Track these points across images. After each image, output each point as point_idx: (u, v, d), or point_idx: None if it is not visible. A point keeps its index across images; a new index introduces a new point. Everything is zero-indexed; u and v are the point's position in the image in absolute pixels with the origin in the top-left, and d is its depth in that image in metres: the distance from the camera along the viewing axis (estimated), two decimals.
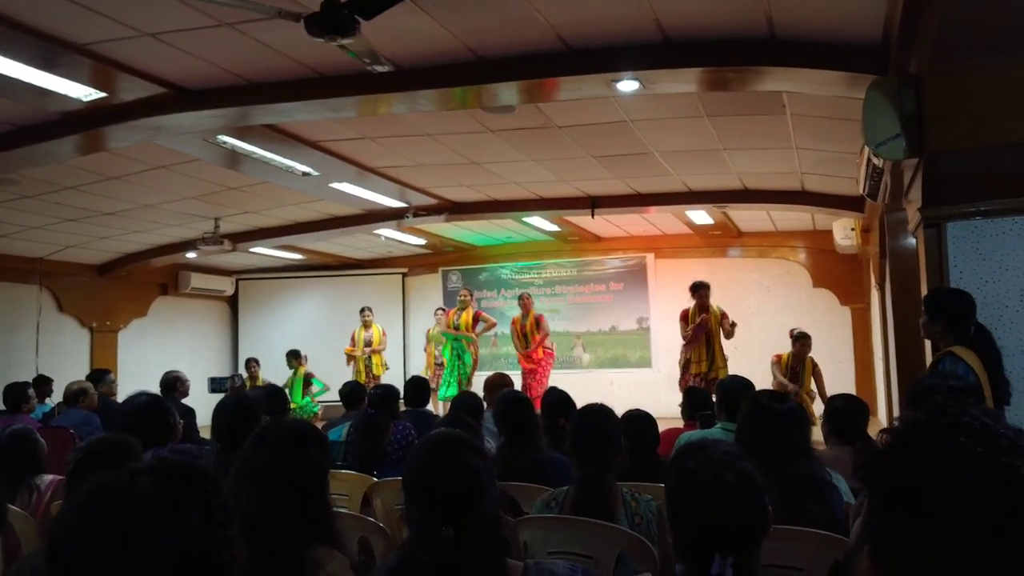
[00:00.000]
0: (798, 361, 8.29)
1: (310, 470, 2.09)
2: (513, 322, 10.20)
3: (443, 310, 11.62)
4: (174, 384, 6.44)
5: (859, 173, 6.02)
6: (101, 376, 7.12)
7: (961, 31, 3.59)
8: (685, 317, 8.42)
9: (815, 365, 8.31)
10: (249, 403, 3.45)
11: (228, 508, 1.17)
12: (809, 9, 4.28)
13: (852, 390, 9.75)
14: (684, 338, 8.41)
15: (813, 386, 8.23)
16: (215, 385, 5.65)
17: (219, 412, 3.36)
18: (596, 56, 4.84)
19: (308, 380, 10.69)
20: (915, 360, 5.21)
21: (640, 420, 3.52)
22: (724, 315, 8.37)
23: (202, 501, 1.13)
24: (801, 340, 8.30)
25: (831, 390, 7.67)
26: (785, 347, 8.56)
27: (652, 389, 11.62)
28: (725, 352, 8.37)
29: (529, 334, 9.96)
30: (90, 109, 5.38)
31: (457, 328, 10.22)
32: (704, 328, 8.21)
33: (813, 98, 5.39)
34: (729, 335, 8.28)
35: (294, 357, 10.83)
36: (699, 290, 8.36)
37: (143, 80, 5.06)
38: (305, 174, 7.43)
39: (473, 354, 10.28)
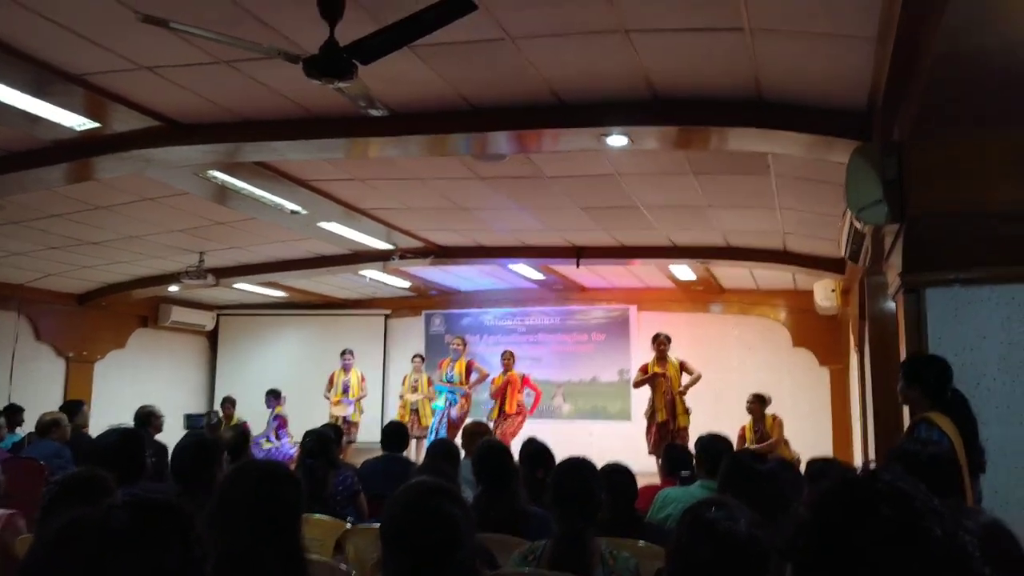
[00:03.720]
0: (758, 422, 8.34)
1: (283, 509, 2.08)
2: (493, 382, 10.20)
3: (420, 357, 11.56)
4: (148, 419, 6.35)
5: (841, 235, 6.11)
6: (76, 408, 7.01)
7: (944, 101, 3.68)
8: (645, 369, 8.84)
9: (775, 419, 8.36)
10: (209, 444, 3.42)
11: (202, 544, 1.16)
12: (796, 74, 4.39)
13: (829, 451, 9.76)
14: (634, 384, 9.10)
15: (794, 449, 8.23)
16: (191, 422, 5.58)
17: (178, 452, 3.33)
18: (587, 111, 4.92)
19: (282, 423, 10.52)
20: (893, 423, 5.23)
21: (620, 474, 3.49)
22: (683, 365, 8.72)
23: (178, 536, 1.13)
24: (750, 401, 8.41)
25: (809, 452, 7.69)
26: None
27: (631, 442, 11.49)
28: (687, 403, 8.64)
29: (509, 396, 9.93)
30: (81, 138, 5.39)
31: (451, 381, 10.19)
32: (651, 382, 8.60)
33: (797, 160, 5.49)
34: (693, 375, 8.64)
35: (273, 396, 10.71)
36: (656, 339, 8.77)
37: (137, 112, 5.08)
38: (293, 212, 7.44)
39: (465, 405, 10.22)
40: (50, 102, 4.76)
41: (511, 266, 10.61)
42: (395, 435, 5.44)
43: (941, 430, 3.36)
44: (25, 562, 1.11)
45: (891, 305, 5.19)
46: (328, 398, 11.07)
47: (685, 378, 8.67)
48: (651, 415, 8.70)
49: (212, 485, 3.21)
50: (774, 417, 8.34)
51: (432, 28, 3.46)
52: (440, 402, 10.32)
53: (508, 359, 10.12)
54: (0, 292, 10.19)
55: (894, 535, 0.89)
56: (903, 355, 4.21)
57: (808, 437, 8.72)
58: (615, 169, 6.29)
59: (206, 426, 5.16)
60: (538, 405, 10.49)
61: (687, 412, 8.58)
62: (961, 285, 4.08)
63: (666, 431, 8.39)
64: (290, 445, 10.09)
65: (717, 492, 2.69)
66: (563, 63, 4.39)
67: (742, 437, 8.34)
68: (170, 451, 6.01)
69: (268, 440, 10.20)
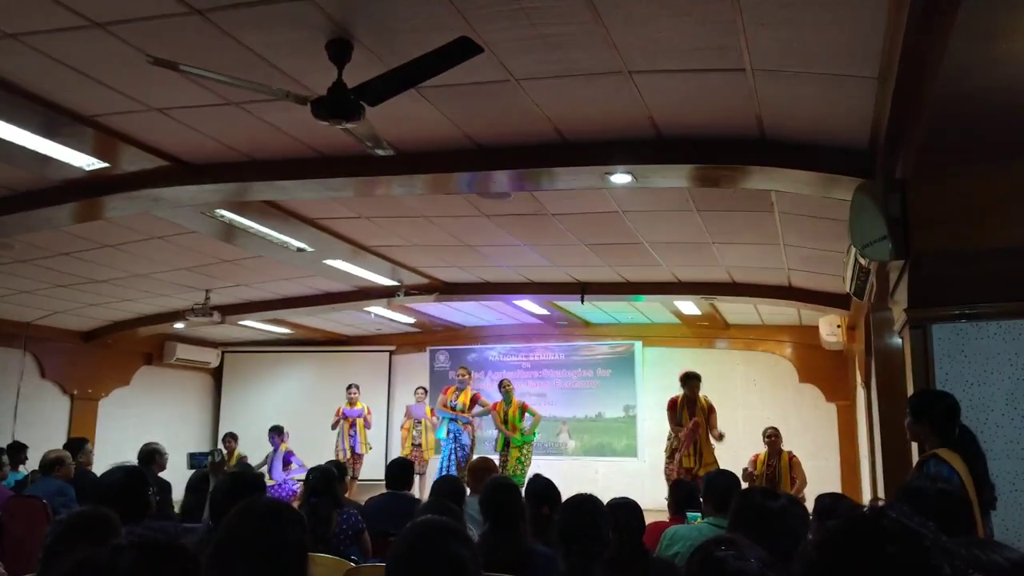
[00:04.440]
0: (773, 457, 8.25)
1: (289, 549, 2.07)
2: (495, 407, 10.13)
3: (424, 389, 11.58)
4: (152, 457, 6.34)
5: (846, 272, 6.12)
6: (80, 445, 6.99)
7: (947, 138, 3.72)
8: (673, 406, 8.45)
9: (792, 457, 8.25)
10: (248, 480, 3.42)
11: None
12: (798, 113, 4.43)
13: (837, 488, 9.66)
14: (674, 431, 8.41)
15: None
16: (195, 461, 5.55)
17: (215, 492, 3.33)
18: (591, 149, 4.97)
19: (287, 459, 10.49)
20: (901, 460, 5.20)
21: (626, 508, 3.47)
22: (712, 409, 8.39)
23: None
24: (768, 433, 8.30)
25: (817, 488, 7.63)
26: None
27: (637, 479, 11.49)
28: (715, 449, 8.32)
29: (511, 421, 9.87)
30: (90, 178, 5.45)
31: (454, 408, 10.16)
32: (696, 433, 8.21)
33: (801, 197, 5.52)
34: (717, 437, 8.23)
35: (276, 433, 10.69)
36: (689, 381, 8.40)
37: (146, 152, 5.14)
38: (300, 250, 7.49)
39: (471, 435, 10.19)
40: (60, 143, 4.82)
41: (516, 301, 10.62)
42: (400, 472, 5.41)
43: (951, 466, 3.34)
44: None
45: (897, 341, 5.18)
46: (335, 428, 11.09)
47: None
48: (672, 454, 8.47)
49: None
50: (791, 456, 8.24)
51: (438, 71, 3.52)
52: (442, 431, 10.27)
53: (509, 386, 10.07)
54: (6, 330, 10.22)
55: (902, 573, 0.89)
56: (910, 391, 4.20)
57: (816, 474, 8.64)
58: (619, 207, 6.33)
59: (210, 464, 5.13)
60: (537, 423, 10.33)
61: (714, 461, 8.29)
62: (967, 320, 4.08)
63: (693, 477, 8.12)
64: (293, 482, 10.05)
65: (727, 530, 2.67)
66: (567, 103, 4.44)
67: (753, 464, 8.24)
68: (174, 489, 6.04)
69: (271, 477, 10.16)
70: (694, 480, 7.57)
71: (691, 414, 8.32)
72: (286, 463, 10.42)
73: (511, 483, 3.91)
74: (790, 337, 11.85)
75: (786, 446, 8.47)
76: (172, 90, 4.29)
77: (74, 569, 1.13)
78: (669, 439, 8.61)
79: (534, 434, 10.12)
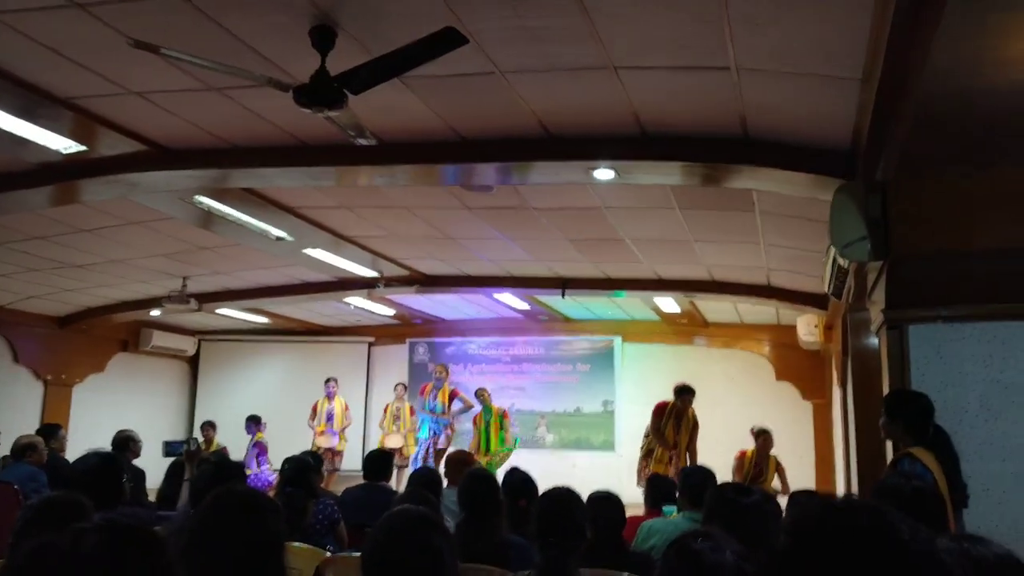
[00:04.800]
0: (762, 458, 8.26)
1: (266, 538, 2.05)
2: (474, 421, 10.10)
3: (403, 386, 11.53)
4: (126, 444, 6.28)
5: (824, 272, 6.16)
6: (53, 431, 6.91)
7: (928, 140, 3.74)
8: (660, 413, 8.37)
9: (778, 463, 8.29)
10: (230, 467, 3.40)
11: (172, 572, 1.15)
12: (781, 114, 4.45)
13: (812, 485, 9.74)
14: (654, 437, 8.37)
15: (776, 483, 8.18)
16: (170, 449, 5.49)
17: (197, 479, 3.32)
18: (575, 144, 4.96)
19: (261, 449, 10.41)
20: (875, 458, 5.25)
21: (606, 502, 3.47)
22: (696, 426, 8.36)
23: (146, 563, 1.12)
24: (763, 436, 8.28)
25: (791, 485, 7.69)
26: (747, 440, 8.54)
27: (615, 473, 11.48)
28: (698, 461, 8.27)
29: (494, 432, 9.86)
30: (68, 161, 5.37)
31: (434, 411, 10.13)
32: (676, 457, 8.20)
33: (782, 197, 5.55)
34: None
35: (254, 423, 10.61)
36: (683, 395, 8.30)
37: (125, 136, 5.07)
38: (279, 239, 7.43)
39: (449, 435, 10.18)
40: (38, 125, 4.74)
41: (496, 295, 10.61)
42: (377, 463, 5.39)
43: (924, 465, 3.38)
44: None
45: (874, 341, 5.22)
46: (312, 427, 10.99)
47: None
48: (647, 453, 8.47)
49: None
50: (777, 462, 8.27)
51: (423, 60, 3.49)
52: (424, 430, 10.26)
53: (485, 394, 10.07)
54: None
55: (871, 548, 0.89)
56: (886, 391, 4.24)
57: (791, 471, 8.69)
58: (602, 202, 6.33)
59: (186, 453, 5.08)
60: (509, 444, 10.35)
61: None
62: (943, 322, 4.12)
63: None
64: (269, 472, 9.98)
65: (702, 524, 2.68)
66: (552, 97, 4.43)
67: (740, 460, 8.26)
68: (148, 476, 5.97)
69: (248, 467, 10.07)
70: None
71: (676, 427, 8.27)
72: (260, 453, 10.33)
73: (489, 475, 3.91)
74: (768, 336, 11.92)
75: None
76: (152, 74, 4.23)
77: (35, 552, 1.11)
78: (646, 437, 8.63)
79: (516, 444, 10.13)
